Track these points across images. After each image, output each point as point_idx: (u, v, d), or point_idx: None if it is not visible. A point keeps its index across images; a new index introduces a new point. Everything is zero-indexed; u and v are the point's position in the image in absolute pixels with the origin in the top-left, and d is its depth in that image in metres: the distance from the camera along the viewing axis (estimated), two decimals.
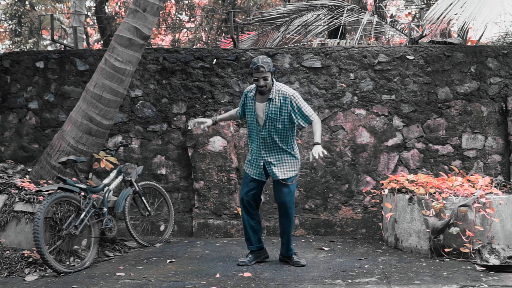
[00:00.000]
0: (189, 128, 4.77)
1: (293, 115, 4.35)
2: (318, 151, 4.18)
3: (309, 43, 8.46)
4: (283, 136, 4.42)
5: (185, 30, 15.50)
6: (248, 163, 4.62)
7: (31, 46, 15.24)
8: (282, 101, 4.34)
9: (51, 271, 4.30)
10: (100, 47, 15.31)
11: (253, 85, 4.53)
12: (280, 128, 4.37)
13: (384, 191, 5.33)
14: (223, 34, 13.56)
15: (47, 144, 5.87)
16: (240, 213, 6.02)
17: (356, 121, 6.23)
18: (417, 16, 11.30)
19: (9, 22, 14.17)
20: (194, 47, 12.66)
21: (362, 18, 7.66)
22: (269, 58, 4.36)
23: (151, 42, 14.59)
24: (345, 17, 7.76)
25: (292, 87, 6.22)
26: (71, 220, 4.55)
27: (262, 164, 4.47)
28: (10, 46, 15.58)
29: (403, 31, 8.59)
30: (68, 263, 4.59)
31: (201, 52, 6.46)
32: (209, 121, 4.71)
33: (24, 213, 4.73)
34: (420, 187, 4.96)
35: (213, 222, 6.05)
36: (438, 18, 6.16)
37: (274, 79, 4.42)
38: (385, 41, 9.79)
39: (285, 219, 4.53)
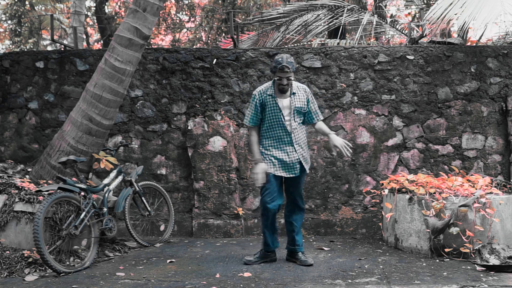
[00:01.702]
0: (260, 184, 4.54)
1: (308, 109, 4.56)
2: (340, 141, 4.44)
3: (309, 43, 8.46)
4: (303, 128, 4.59)
5: (185, 30, 15.50)
6: (277, 165, 4.43)
7: (31, 46, 15.25)
8: (303, 95, 4.54)
9: (51, 271, 4.30)
10: (100, 47, 15.31)
11: (264, 85, 4.56)
12: (302, 120, 4.56)
13: (384, 191, 5.32)
14: (223, 34, 13.57)
15: (47, 144, 5.87)
16: (240, 213, 6.03)
17: (356, 121, 6.22)
18: (417, 16, 11.30)
19: (9, 22, 14.18)
20: (194, 47, 12.67)
21: (362, 18, 7.66)
22: (292, 57, 4.44)
23: (151, 42, 14.60)
24: (345, 17, 7.76)
25: None
26: (71, 220, 4.55)
27: (298, 158, 4.46)
28: (10, 46, 15.59)
29: (403, 31, 8.59)
30: (68, 263, 4.59)
31: (201, 52, 6.46)
32: (263, 166, 4.42)
33: (24, 213, 4.73)
34: (420, 187, 4.95)
35: (213, 222, 6.05)
36: (438, 18, 6.16)
37: None
38: (385, 41, 9.79)
39: (300, 213, 4.62)
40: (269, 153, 4.47)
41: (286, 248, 4.68)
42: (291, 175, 4.47)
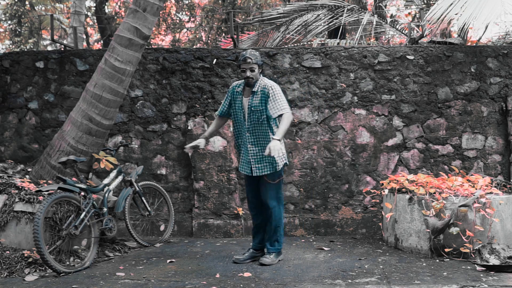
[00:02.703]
0: (186, 151, 4.77)
1: (267, 105, 4.39)
2: (272, 147, 4.09)
3: (309, 43, 8.46)
4: (266, 130, 4.47)
5: (185, 30, 15.50)
6: (240, 161, 4.67)
7: (31, 46, 15.25)
8: (262, 93, 4.46)
9: (51, 271, 4.30)
10: (100, 47, 15.31)
11: (240, 81, 4.67)
12: (264, 120, 4.46)
13: (384, 191, 5.32)
14: (223, 34, 13.57)
15: (47, 144, 5.87)
16: (240, 213, 6.03)
17: (356, 121, 6.22)
18: (417, 16, 11.30)
19: (9, 22, 14.17)
20: (194, 47, 12.67)
21: (362, 18, 7.66)
22: (257, 52, 4.54)
23: (151, 42, 14.59)
24: (345, 17, 7.76)
25: (292, 87, 6.23)
26: (71, 220, 4.55)
27: (250, 159, 4.52)
28: (10, 46, 15.59)
29: (403, 31, 8.59)
30: (68, 263, 4.59)
31: (201, 52, 6.46)
32: (202, 141, 4.67)
33: (24, 213, 4.73)
34: (420, 187, 4.95)
35: (213, 222, 6.05)
36: (438, 18, 6.16)
37: (261, 75, 4.55)
38: (385, 41, 9.79)
39: (270, 218, 4.54)
40: (237, 149, 4.71)
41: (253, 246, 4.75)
42: (247, 173, 4.56)
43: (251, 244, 4.78)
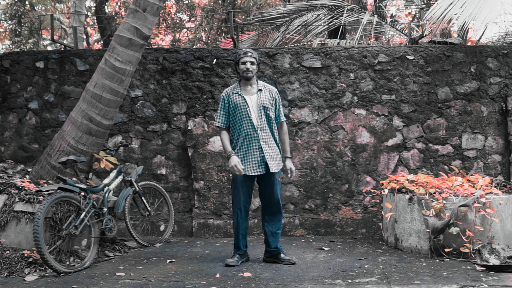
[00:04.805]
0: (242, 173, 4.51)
1: (275, 109, 4.63)
2: (293, 169, 4.60)
3: (309, 43, 8.46)
4: (273, 128, 4.59)
5: (185, 30, 15.50)
6: (244, 164, 4.45)
7: (31, 46, 15.25)
8: (269, 94, 4.61)
9: (51, 271, 4.30)
10: (100, 47, 15.32)
11: (231, 86, 4.69)
12: (272, 118, 4.57)
13: (384, 191, 5.32)
14: (223, 34, 13.57)
15: (47, 144, 5.88)
16: None
17: (356, 121, 6.23)
18: (417, 16, 11.30)
19: (9, 22, 14.17)
20: (194, 47, 12.66)
21: (362, 18, 7.66)
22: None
23: (151, 42, 14.59)
24: (345, 17, 7.76)
25: (292, 87, 6.23)
26: (71, 220, 4.55)
27: (263, 156, 4.45)
28: (10, 46, 15.59)
29: (403, 31, 8.59)
30: (68, 263, 4.59)
31: (201, 52, 6.46)
32: (236, 158, 4.43)
33: (24, 213, 4.73)
34: (420, 187, 4.95)
35: (213, 222, 6.05)
36: (438, 18, 6.16)
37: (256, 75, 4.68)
38: (385, 41, 9.79)
39: (280, 215, 4.62)
40: (238, 151, 4.50)
41: (266, 250, 4.65)
42: (257, 173, 4.46)
43: (240, 251, 4.56)
